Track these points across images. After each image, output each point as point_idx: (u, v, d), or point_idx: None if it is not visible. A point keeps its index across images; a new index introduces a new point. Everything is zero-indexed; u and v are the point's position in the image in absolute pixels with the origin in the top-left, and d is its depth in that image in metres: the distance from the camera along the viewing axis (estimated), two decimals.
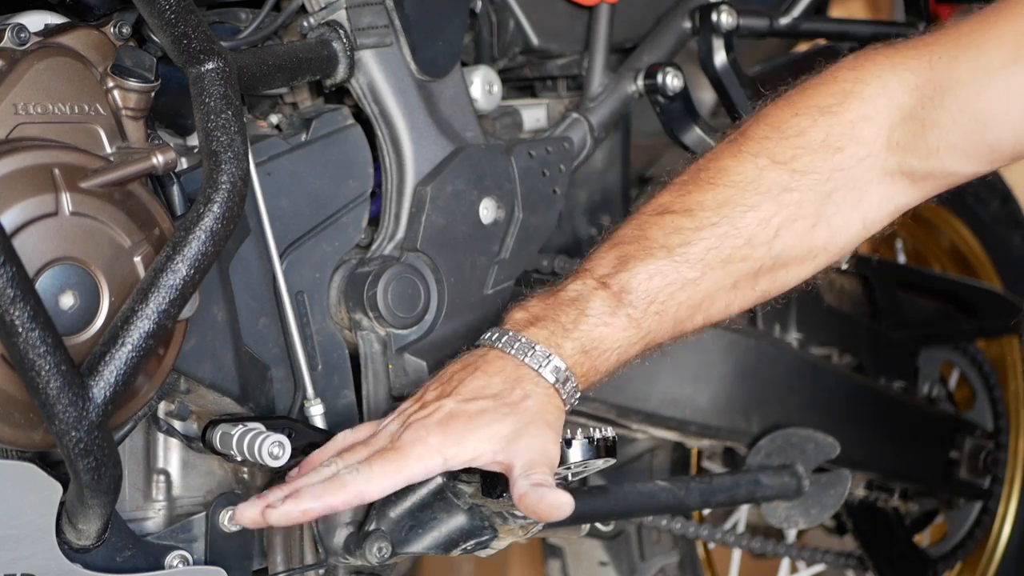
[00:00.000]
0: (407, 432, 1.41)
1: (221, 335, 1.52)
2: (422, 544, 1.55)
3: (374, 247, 1.66)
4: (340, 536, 1.56)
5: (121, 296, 1.38)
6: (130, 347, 1.32)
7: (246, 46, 1.56)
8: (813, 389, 2.16)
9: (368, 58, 1.64)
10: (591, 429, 1.52)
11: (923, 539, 2.64)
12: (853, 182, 1.49)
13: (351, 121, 1.65)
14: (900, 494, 2.46)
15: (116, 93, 1.43)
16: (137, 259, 1.39)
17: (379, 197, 1.68)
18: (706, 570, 2.34)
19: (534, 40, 1.87)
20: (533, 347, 1.45)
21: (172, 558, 1.50)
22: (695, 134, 1.91)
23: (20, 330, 1.25)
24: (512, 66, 1.91)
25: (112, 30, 1.46)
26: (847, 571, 2.53)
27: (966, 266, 2.66)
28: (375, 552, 1.52)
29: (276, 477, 1.59)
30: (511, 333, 1.46)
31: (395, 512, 1.53)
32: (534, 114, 1.89)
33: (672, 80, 1.89)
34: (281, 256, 1.57)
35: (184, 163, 1.51)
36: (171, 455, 1.57)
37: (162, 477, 1.56)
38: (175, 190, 1.47)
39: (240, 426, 1.50)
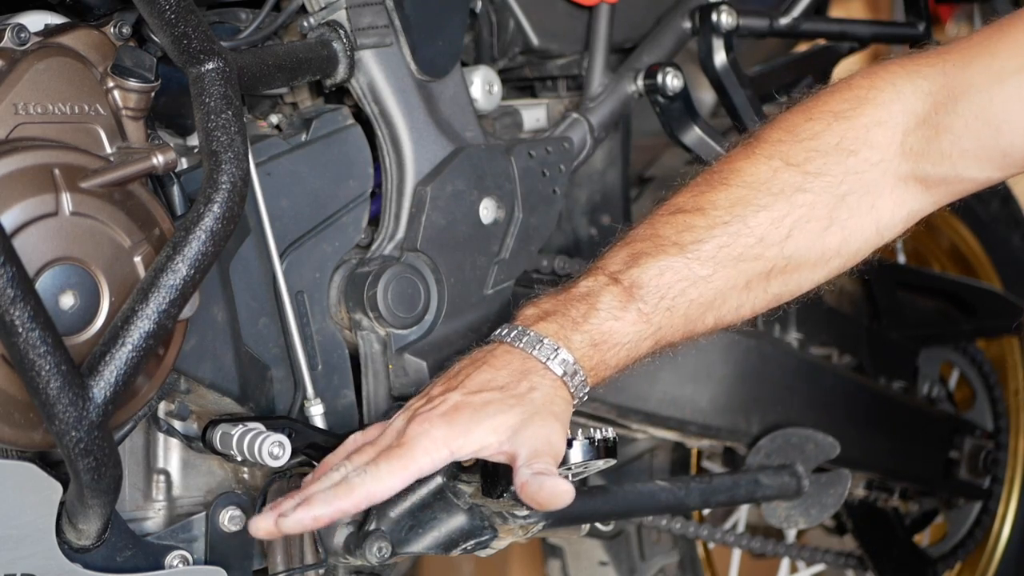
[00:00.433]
0: (412, 426, 1.41)
1: (221, 335, 1.52)
2: (422, 544, 1.55)
3: (374, 247, 1.66)
4: (340, 536, 1.56)
5: (121, 296, 1.38)
6: (130, 347, 1.32)
7: (246, 46, 1.56)
8: (813, 389, 2.15)
9: (368, 58, 1.64)
10: (591, 430, 1.52)
11: (923, 539, 2.64)
12: (866, 186, 1.50)
13: (351, 121, 1.65)
14: (900, 494, 2.46)
15: (116, 93, 1.43)
16: (137, 259, 1.39)
17: (379, 197, 1.68)
18: (706, 570, 2.34)
19: (534, 40, 1.87)
20: (541, 340, 1.45)
21: (172, 558, 1.50)
22: (695, 134, 1.91)
23: (20, 330, 1.25)
24: (512, 66, 1.91)
25: (112, 30, 1.46)
26: (847, 571, 2.53)
27: (966, 266, 2.66)
28: (375, 552, 1.52)
29: (276, 477, 1.59)
30: (520, 328, 1.47)
31: (395, 512, 1.53)
32: (534, 114, 1.89)
33: (672, 80, 1.89)
34: (281, 256, 1.57)
35: (184, 163, 1.51)
36: (171, 455, 1.57)
37: (162, 477, 1.56)
38: (175, 190, 1.47)
39: (240, 426, 1.50)
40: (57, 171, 1.35)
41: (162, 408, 1.54)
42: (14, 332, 1.25)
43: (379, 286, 1.62)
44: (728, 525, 2.42)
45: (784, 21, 2.01)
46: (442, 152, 1.69)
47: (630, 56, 1.94)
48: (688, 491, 1.91)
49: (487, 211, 1.72)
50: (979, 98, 1.47)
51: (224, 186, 1.36)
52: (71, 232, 1.36)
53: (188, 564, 1.50)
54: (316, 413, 1.58)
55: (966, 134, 1.47)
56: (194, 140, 1.56)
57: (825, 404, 2.17)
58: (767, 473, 2.00)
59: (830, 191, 1.49)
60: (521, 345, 1.45)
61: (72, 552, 1.42)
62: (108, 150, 1.42)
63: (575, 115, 1.87)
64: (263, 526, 1.37)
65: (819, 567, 2.43)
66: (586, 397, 1.47)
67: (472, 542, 1.57)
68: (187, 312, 1.38)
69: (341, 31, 1.62)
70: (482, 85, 1.79)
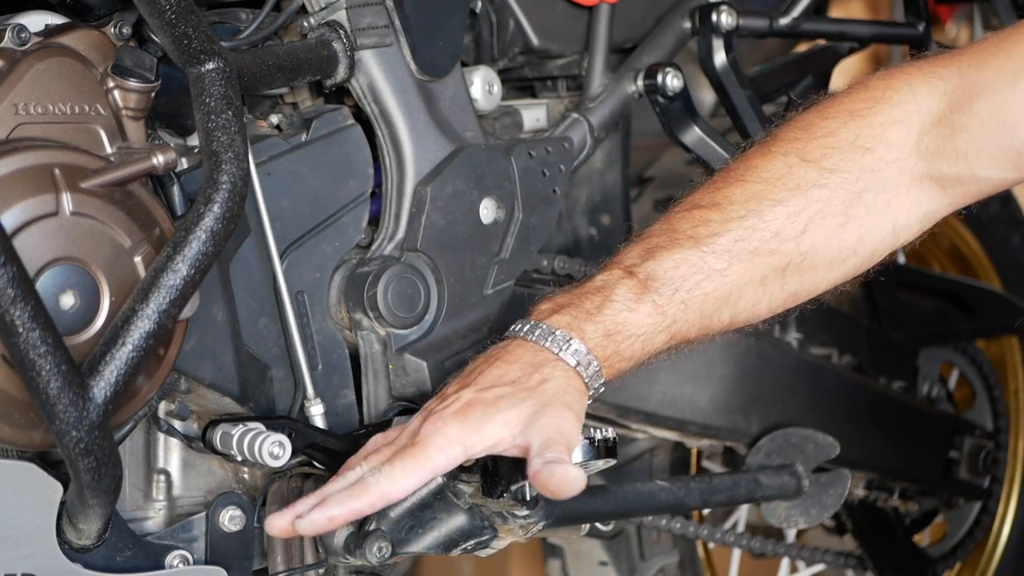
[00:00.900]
0: (425, 425, 1.41)
1: (221, 335, 1.52)
2: (422, 544, 1.55)
3: (374, 247, 1.66)
4: (340, 536, 1.55)
5: (121, 296, 1.38)
6: (130, 347, 1.32)
7: (246, 46, 1.56)
8: (813, 389, 2.16)
9: (368, 58, 1.64)
10: (591, 430, 1.51)
11: (923, 539, 2.64)
12: (882, 184, 1.50)
13: (351, 121, 1.65)
14: (900, 494, 2.46)
15: (116, 93, 1.43)
16: (137, 259, 1.39)
17: (379, 197, 1.68)
18: (706, 570, 2.34)
19: (534, 40, 1.87)
20: (553, 332, 1.45)
21: (172, 558, 1.50)
22: (695, 134, 1.91)
23: (20, 330, 1.25)
24: (512, 66, 1.91)
25: (112, 30, 1.46)
26: (847, 571, 2.53)
27: (966, 266, 2.66)
28: (375, 552, 1.52)
29: (276, 477, 1.59)
30: (533, 322, 1.47)
31: (395, 512, 1.53)
32: (534, 114, 1.89)
33: (672, 80, 1.89)
34: (281, 256, 1.57)
35: (184, 163, 1.51)
36: (171, 455, 1.57)
37: (162, 477, 1.56)
38: (175, 190, 1.47)
39: (240, 426, 1.50)
40: (57, 171, 1.35)
41: (162, 408, 1.54)
42: (14, 332, 1.25)
43: (379, 286, 1.62)
44: (728, 525, 2.42)
45: (784, 21, 2.01)
46: (442, 152, 1.69)
47: (630, 56, 1.94)
48: (688, 491, 1.91)
49: (487, 211, 1.72)
50: (994, 98, 1.47)
51: (224, 186, 1.36)
52: (71, 232, 1.36)
53: (188, 564, 1.50)
54: (316, 413, 1.58)
55: (981, 133, 1.48)
56: (194, 140, 1.56)
57: (825, 404, 2.17)
58: (767, 473, 2.00)
59: (846, 187, 1.49)
60: (534, 338, 1.45)
61: (72, 552, 1.42)
62: (108, 150, 1.42)
63: (575, 115, 1.87)
64: (279, 525, 1.38)
65: (819, 567, 2.43)
66: (602, 388, 1.47)
67: (472, 542, 1.57)
68: (187, 312, 1.38)
69: (341, 31, 1.62)
70: (482, 85, 1.79)
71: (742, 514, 2.45)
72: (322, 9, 1.64)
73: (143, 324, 1.32)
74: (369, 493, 1.37)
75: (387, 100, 1.66)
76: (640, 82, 1.91)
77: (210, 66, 1.38)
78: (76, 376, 1.29)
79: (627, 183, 2.02)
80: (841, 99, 1.53)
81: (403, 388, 1.64)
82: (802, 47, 2.25)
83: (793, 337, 2.24)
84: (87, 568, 1.43)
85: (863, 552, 2.44)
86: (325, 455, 1.55)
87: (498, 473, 1.50)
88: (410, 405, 1.63)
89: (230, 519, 1.54)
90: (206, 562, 1.53)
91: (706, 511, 2.35)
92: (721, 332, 1.53)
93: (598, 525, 2.12)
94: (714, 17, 1.93)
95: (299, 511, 1.37)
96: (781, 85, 2.05)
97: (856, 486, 2.36)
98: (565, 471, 1.34)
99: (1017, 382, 2.67)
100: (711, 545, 2.36)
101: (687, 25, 1.97)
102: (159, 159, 1.39)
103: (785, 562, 2.49)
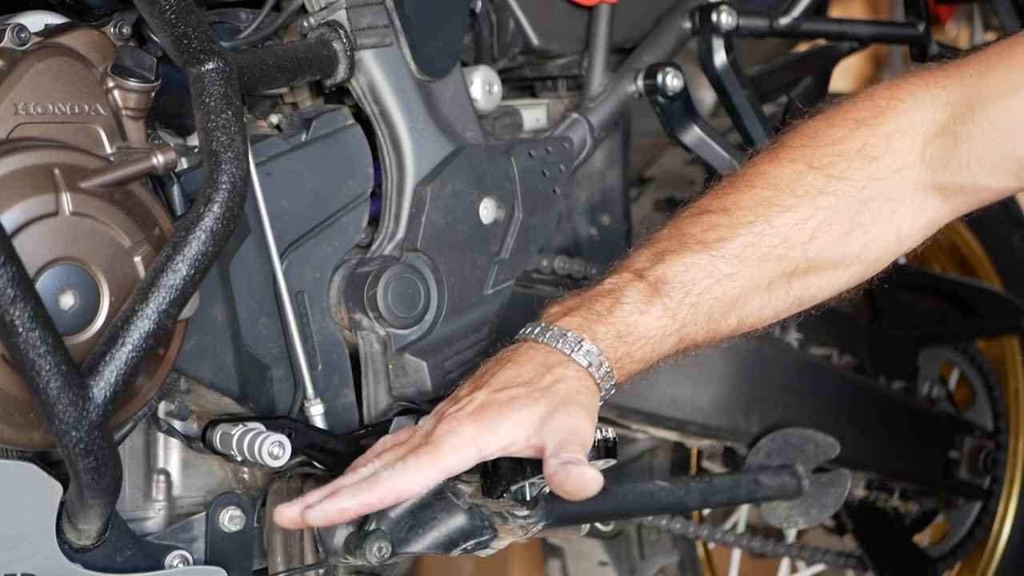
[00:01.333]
0: (440, 426, 1.41)
1: (221, 335, 1.52)
2: (422, 544, 1.55)
3: (374, 247, 1.66)
4: (340, 536, 1.56)
5: (121, 296, 1.38)
6: (130, 347, 1.32)
7: (246, 46, 1.56)
8: (813, 389, 2.16)
9: (368, 58, 1.64)
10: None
11: (923, 539, 2.64)
12: (888, 193, 1.52)
13: (351, 121, 1.65)
14: (900, 494, 2.46)
15: (116, 93, 1.43)
16: (137, 259, 1.39)
17: (379, 197, 1.68)
18: (706, 570, 2.34)
19: (534, 40, 1.87)
20: (565, 334, 1.45)
21: (172, 558, 1.50)
22: (695, 134, 1.91)
23: (20, 330, 1.25)
24: (512, 66, 1.91)
25: (112, 30, 1.46)
26: (847, 571, 2.53)
27: (966, 266, 2.66)
28: (375, 552, 1.52)
29: (276, 477, 1.59)
30: (544, 324, 1.48)
31: (395, 512, 1.53)
32: (534, 114, 1.89)
33: (672, 80, 1.89)
34: (281, 256, 1.57)
35: (184, 163, 1.51)
36: (171, 455, 1.57)
37: (162, 477, 1.56)
38: (175, 190, 1.47)
39: (240, 426, 1.50)
40: (57, 171, 1.35)
41: (162, 408, 1.54)
42: (14, 332, 1.25)
43: (379, 286, 1.62)
44: (728, 525, 2.42)
45: (784, 21, 2.01)
46: (442, 152, 1.69)
47: (630, 56, 1.94)
48: (688, 491, 1.91)
49: (487, 211, 1.72)
50: (996, 107, 1.49)
51: (224, 186, 1.36)
52: (71, 232, 1.36)
53: (188, 564, 1.50)
54: (316, 413, 1.58)
55: (984, 143, 1.50)
56: (194, 140, 1.56)
57: (825, 404, 2.17)
58: (767, 473, 2.00)
59: (852, 195, 1.51)
60: (545, 340, 1.46)
61: (72, 552, 1.42)
62: (108, 150, 1.42)
63: (575, 115, 1.87)
64: (288, 514, 1.38)
65: (819, 567, 2.43)
66: (613, 390, 1.48)
67: (472, 542, 1.57)
68: (187, 312, 1.38)
69: (341, 31, 1.62)
70: (482, 85, 1.79)
71: (742, 514, 2.45)
72: (322, 9, 1.63)
73: (143, 324, 1.32)
74: (381, 488, 1.38)
75: (387, 100, 1.66)
76: (640, 82, 1.91)
77: (210, 66, 1.38)
78: (76, 376, 1.29)
79: (627, 183, 2.02)
80: (847, 108, 1.55)
81: (403, 388, 1.64)
82: (802, 47, 2.25)
83: (793, 337, 2.24)
84: (87, 568, 1.43)
85: (863, 552, 2.44)
86: (325, 455, 1.55)
87: (498, 473, 1.50)
88: (410, 405, 1.63)
89: (230, 519, 1.54)
90: (206, 562, 1.53)
91: (706, 511, 2.35)
92: (727, 337, 1.54)
93: (598, 525, 2.12)
94: (714, 17, 1.93)
95: (309, 502, 1.38)
96: (781, 85, 2.05)
97: (856, 486, 2.35)
98: (582, 472, 1.34)
99: (1017, 382, 2.67)
100: (711, 545, 2.36)
101: (687, 25, 1.97)
102: (159, 159, 1.39)
103: (785, 562, 2.49)
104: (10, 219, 1.32)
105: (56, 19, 1.45)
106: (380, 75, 1.65)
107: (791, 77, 2.06)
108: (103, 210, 1.37)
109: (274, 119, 1.67)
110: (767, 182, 1.52)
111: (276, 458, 1.47)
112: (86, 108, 1.41)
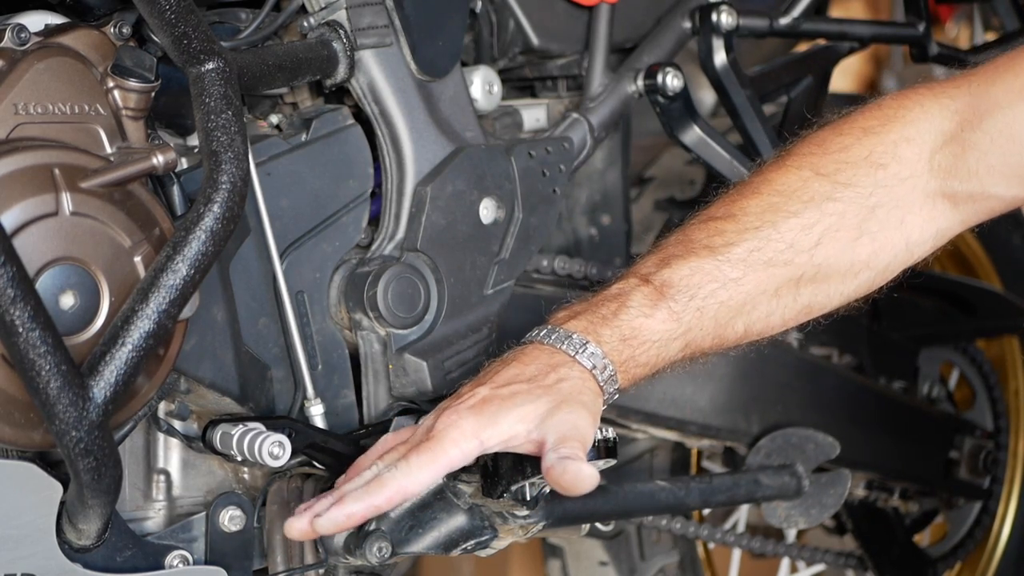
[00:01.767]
0: (440, 420, 1.42)
1: (221, 335, 1.52)
2: (422, 544, 1.55)
3: (374, 247, 1.66)
4: (340, 536, 1.55)
5: (121, 296, 1.38)
6: (130, 347, 1.32)
7: (246, 46, 1.56)
8: (813, 389, 2.15)
9: (368, 58, 1.64)
10: None
11: (923, 539, 2.64)
12: (896, 200, 1.52)
13: (351, 121, 1.65)
14: (900, 494, 2.46)
15: (116, 93, 1.43)
16: (137, 259, 1.39)
17: (379, 197, 1.68)
18: (706, 570, 2.34)
19: (534, 40, 1.87)
20: (570, 336, 1.46)
21: (172, 558, 1.50)
22: (695, 134, 1.91)
23: (20, 330, 1.25)
24: (512, 66, 1.91)
25: (112, 30, 1.46)
26: (847, 571, 2.53)
27: (966, 266, 2.66)
28: (375, 552, 1.52)
29: (276, 477, 1.59)
30: (549, 327, 1.49)
31: (395, 512, 1.53)
32: (534, 114, 1.89)
33: (672, 80, 1.89)
34: (281, 256, 1.57)
35: (184, 163, 1.51)
36: (171, 455, 1.57)
37: (162, 477, 1.56)
38: (175, 190, 1.47)
39: (240, 426, 1.50)
40: (57, 171, 1.35)
41: (162, 408, 1.54)
42: (14, 332, 1.25)
43: (379, 286, 1.62)
44: (728, 525, 2.42)
45: (784, 21, 2.01)
46: (442, 152, 1.69)
47: (630, 56, 1.94)
48: (688, 491, 1.91)
49: (487, 211, 1.72)
50: (1004, 115, 1.50)
51: (224, 186, 1.36)
52: (71, 232, 1.36)
53: (188, 564, 1.50)
54: (316, 413, 1.58)
55: (992, 150, 1.50)
56: (194, 140, 1.56)
57: (825, 404, 2.17)
58: (767, 473, 2.00)
59: (859, 202, 1.52)
60: (550, 341, 1.47)
61: (72, 552, 1.42)
62: (108, 150, 1.42)
63: (575, 115, 1.87)
64: (299, 527, 1.39)
65: (819, 567, 2.43)
66: (616, 395, 1.48)
67: (472, 542, 1.57)
68: (187, 312, 1.38)
69: (341, 31, 1.62)
70: (482, 85, 1.79)
71: (742, 514, 2.45)
72: (322, 9, 1.63)
73: (143, 324, 1.32)
74: (386, 488, 1.38)
75: (387, 100, 1.66)
76: (640, 82, 1.91)
77: (210, 66, 1.38)
78: (76, 376, 1.29)
79: (627, 183, 2.02)
80: (855, 117, 1.56)
81: (403, 388, 1.64)
82: (802, 47, 2.25)
83: (793, 337, 2.24)
84: (87, 568, 1.43)
85: (863, 552, 2.44)
86: (325, 455, 1.55)
87: (498, 473, 1.50)
88: (410, 405, 1.63)
89: (230, 519, 1.54)
90: (206, 562, 1.53)
91: (706, 511, 2.35)
92: (735, 344, 1.55)
93: (598, 525, 2.12)
94: (714, 17, 1.93)
95: (317, 511, 1.38)
96: (781, 85, 2.05)
97: (856, 486, 2.35)
98: (579, 468, 1.35)
99: (1017, 382, 2.67)
100: (711, 545, 2.36)
101: (687, 25, 1.97)
102: (159, 159, 1.39)
103: (785, 562, 2.49)
104: (10, 219, 1.32)
105: (56, 19, 1.45)
106: (380, 75, 1.65)
107: (791, 77, 2.06)
108: (103, 210, 1.37)
109: (274, 119, 1.67)
110: (774, 189, 1.52)
111: (276, 458, 1.47)
112: (86, 108, 1.41)
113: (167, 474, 1.56)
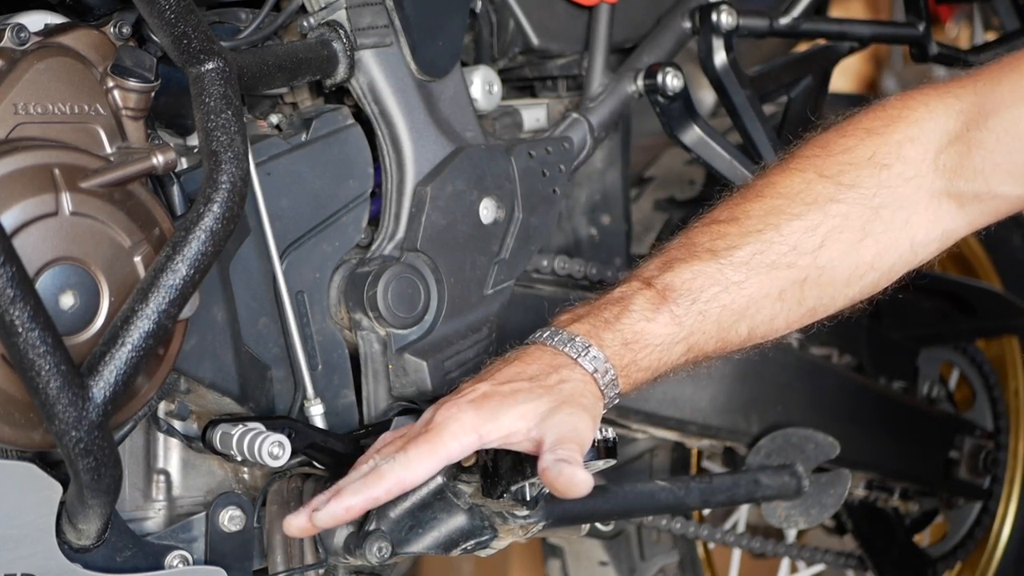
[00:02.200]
0: (439, 412, 1.42)
1: (221, 335, 1.52)
2: (422, 544, 1.55)
3: (374, 247, 1.66)
4: (340, 536, 1.56)
5: (121, 296, 1.38)
6: (130, 347, 1.32)
7: (246, 46, 1.56)
8: (813, 389, 2.15)
9: (368, 58, 1.64)
10: None
11: (923, 539, 2.64)
12: (900, 201, 1.52)
13: (351, 121, 1.65)
14: (900, 494, 2.46)
15: (116, 93, 1.43)
16: (137, 259, 1.39)
17: (379, 197, 1.68)
18: (706, 570, 2.34)
19: (534, 40, 1.87)
20: (573, 338, 1.46)
21: (172, 558, 1.50)
22: (695, 134, 1.91)
23: (20, 330, 1.25)
24: (512, 66, 1.91)
25: (112, 30, 1.46)
26: (847, 571, 2.53)
27: (966, 266, 2.66)
28: (375, 552, 1.52)
29: (276, 477, 1.59)
30: (553, 328, 1.49)
31: (395, 512, 1.53)
32: (534, 114, 1.88)
33: (672, 80, 1.89)
34: (281, 256, 1.57)
35: (184, 163, 1.51)
36: (171, 455, 1.57)
37: (162, 477, 1.56)
38: (175, 190, 1.47)
39: (240, 426, 1.50)
40: (57, 171, 1.35)
41: (162, 408, 1.54)
42: (14, 332, 1.25)
43: (379, 286, 1.62)
44: (728, 525, 2.42)
45: (784, 21, 2.01)
46: (442, 152, 1.69)
47: (630, 56, 1.94)
48: (688, 491, 1.91)
49: (487, 211, 1.72)
50: (1009, 114, 1.50)
51: (224, 186, 1.36)
52: (71, 232, 1.36)
53: (188, 564, 1.50)
54: (316, 413, 1.58)
55: (998, 149, 1.50)
56: (194, 140, 1.56)
57: (825, 404, 2.17)
58: (767, 473, 2.00)
59: (863, 203, 1.51)
60: (553, 343, 1.47)
61: (72, 552, 1.42)
62: (108, 150, 1.42)
63: (575, 115, 1.87)
64: (297, 524, 1.38)
65: (819, 567, 2.43)
66: (617, 399, 1.48)
67: (472, 542, 1.57)
68: (187, 312, 1.38)
69: (341, 31, 1.62)
70: (482, 85, 1.79)
71: (742, 514, 2.45)
72: (322, 9, 1.63)
73: (143, 324, 1.32)
74: (384, 480, 1.38)
75: (387, 100, 1.66)
76: (640, 82, 1.91)
77: (210, 66, 1.38)
78: (76, 376, 1.29)
79: (627, 183, 2.02)
80: (859, 118, 1.56)
81: (403, 388, 1.64)
82: (802, 47, 2.25)
83: (793, 337, 2.24)
84: (87, 568, 1.43)
85: (863, 552, 2.44)
86: (325, 455, 1.55)
87: (498, 473, 1.50)
88: (410, 405, 1.63)
89: (230, 519, 1.54)
90: (206, 562, 1.53)
91: (706, 511, 2.35)
92: (739, 347, 1.54)
93: (598, 525, 2.12)
94: (714, 17, 1.93)
95: (315, 506, 1.38)
96: (781, 85, 2.05)
97: (856, 486, 2.35)
98: (573, 472, 1.35)
99: (1017, 382, 2.67)
100: (711, 545, 2.36)
101: (687, 25, 1.97)
102: (159, 159, 1.39)
103: (785, 562, 2.49)
104: (10, 219, 1.32)
105: (56, 19, 1.45)
106: (380, 75, 1.65)
107: (791, 77, 2.06)
108: (103, 210, 1.37)
109: (274, 119, 1.67)
110: (777, 191, 1.52)
111: (276, 458, 1.47)
112: (86, 108, 1.41)
113: (167, 474, 1.56)
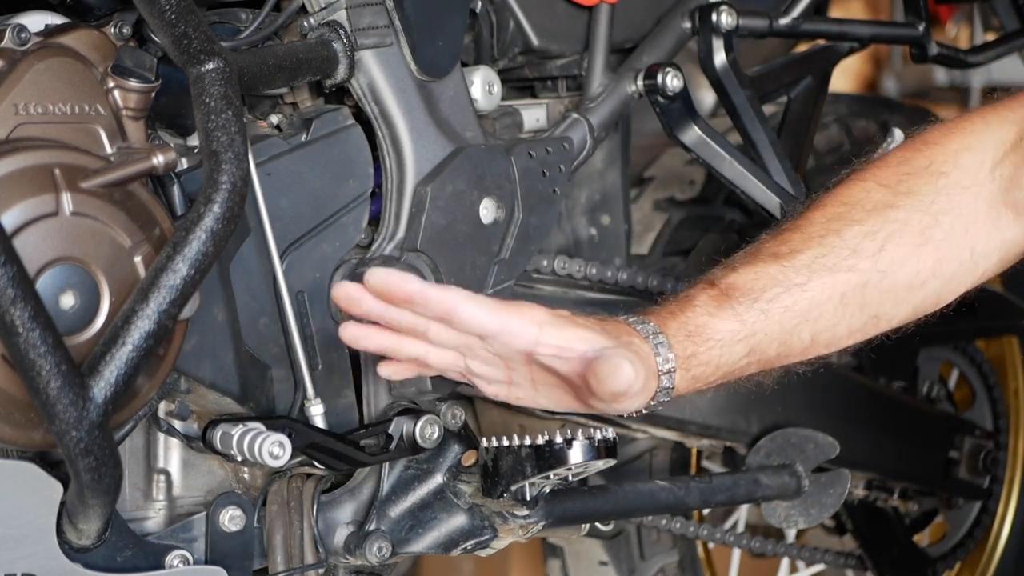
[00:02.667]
0: (518, 300, 1.46)
1: (221, 335, 1.52)
2: (422, 544, 1.55)
3: (374, 247, 1.66)
4: (340, 536, 1.56)
5: (121, 296, 1.38)
6: (130, 347, 1.32)
7: (246, 46, 1.56)
8: (813, 389, 2.15)
9: (368, 58, 1.64)
10: (592, 430, 1.52)
11: (923, 539, 2.64)
12: (959, 208, 1.54)
13: (351, 121, 1.65)
14: (900, 494, 2.46)
15: (116, 93, 1.43)
16: (137, 259, 1.39)
17: (379, 197, 1.68)
18: (706, 570, 2.34)
19: (534, 40, 1.87)
20: (645, 322, 1.50)
21: (172, 558, 1.50)
22: (695, 134, 1.91)
23: (20, 330, 1.25)
24: (512, 66, 1.91)
25: (112, 30, 1.46)
26: (847, 571, 2.53)
27: None
28: (375, 552, 1.52)
29: (276, 477, 1.59)
30: (626, 314, 1.52)
31: (395, 512, 1.53)
32: (534, 114, 1.88)
33: (672, 80, 1.89)
34: (281, 256, 1.57)
35: (184, 163, 1.51)
36: (171, 455, 1.57)
37: (162, 477, 1.56)
38: (175, 190, 1.47)
39: (240, 426, 1.50)
40: (57, 171, 1.35)
41: (162, 408, 1.54)
42: (14, 332, 1.25)
43: None
44: (728, 525, 2.42)
45: (784, 21, 2.01)
46: (442, 152, 1.69)
47: (630, 56, 1.94)
48: (688, 491, 1.91)
49: (487, 211, 1.72)
50: None
51: (224, 186, 1.36)
52: (71, 232, 1.36)
53: (188, 564, 1.50)
54: (316, 413, 1.58)
55: None
56: (194, 140, 1.56)
57: (825, 404, 2.17)
58: (767, 473, 2.01)
59: (922, 209, 1.54)
60: (628, 321, 1.50)
61: (72, 552, 1.42)
62: (108, 150, 1.42)
63: (575, 115, 1.87)
64: (346, 290, 1.42)
65: (819, 567, 2.43)
66: (668, 395, 1.49)
67: (472, 542, 1.57)
68: (187, 312, 1.38)
69: (341, 31, 1.62)
70: (482, 85, 1.79)
71: (742, 514, 2.45)
72: (322, 9, 1.64)
73: (143, 324, 1.32)
74: (446, 292, 1.41)
75: (387, 100, 1.66)
76: (640, 82, 1.90)
77: (210, 66, 1.38)
78: (76, 376, 1.29)
79: (627, 183, 2.02)
80: (918, 135, 1.60)
81: (403, 388, 1.64)
82: (802, 47, 2.25)
83: None
84: (87, 568, 1.43)
85: (863, 552, 2.44)
86: (325, 455, 1.55)
87: (498, 473, 1.50)
88: (410, 405, 1.63)
89: (230, 519, 1.54)
90: (206, 562, 1.53)
91: (706, 511, 2.35)
92: (801, 355, 1.56)
93: (598, 525, 2.12)
94: (714, 17, 1.93)
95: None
96: (781, 85, 2.05)
97: (856, 486, 2.35)
98: (620, 363, 1.38)
99: (1017, 382, 2.67)
100: (711, 545, 2.36)
101: (687, 25, 1.97)
102: (159, 159, 1.39)
103: (785, 562, 2.49)
104: (10, 219, 1.32)
105: (56, 19, 1.45)
106: (380, 75, 1.65)
107: (791, 77, 2.06)
108: (103, 210, 1.38)
109: (274, 119, 1.67)
110: (838, 200, 1.56)
111: (276, 458, 1.47)
112: (86, 108, 1.41)
113: (167, 474, 1.56)
